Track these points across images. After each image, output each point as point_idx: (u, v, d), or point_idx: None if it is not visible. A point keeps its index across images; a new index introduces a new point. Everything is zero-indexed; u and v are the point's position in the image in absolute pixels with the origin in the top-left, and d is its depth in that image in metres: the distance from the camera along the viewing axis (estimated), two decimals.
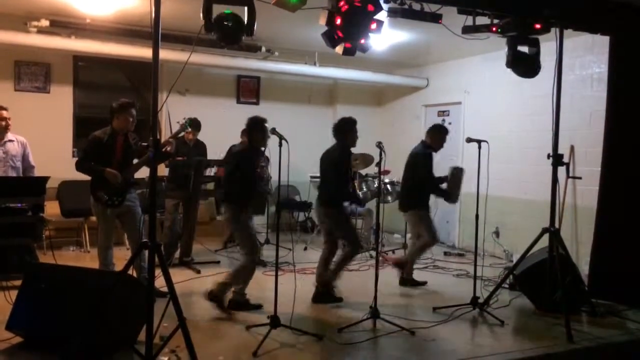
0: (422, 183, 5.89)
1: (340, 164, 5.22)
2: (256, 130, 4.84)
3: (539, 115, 6.89)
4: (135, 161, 4.97)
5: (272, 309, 4.25)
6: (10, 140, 5.55)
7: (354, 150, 5.46)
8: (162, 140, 4.79)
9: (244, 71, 8.76)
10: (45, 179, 5.21)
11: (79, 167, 4.85)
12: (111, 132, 4.88)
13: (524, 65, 5.03)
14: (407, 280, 6.03)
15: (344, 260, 5.28)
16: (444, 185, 5.99)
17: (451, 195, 5.89)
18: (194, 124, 6.46)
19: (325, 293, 5.25)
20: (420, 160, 5.91)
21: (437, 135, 6.01)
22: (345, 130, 5.28)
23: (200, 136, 6.82)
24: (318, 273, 5.34)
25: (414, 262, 6.10)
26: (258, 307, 4.91)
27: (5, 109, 5.50)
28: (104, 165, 4.78)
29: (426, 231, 5.92)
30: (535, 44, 4.96)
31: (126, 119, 4.86)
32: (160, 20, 3.28)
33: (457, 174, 5.87)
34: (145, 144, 4.81)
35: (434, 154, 5.95)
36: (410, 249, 6.20)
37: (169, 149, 4.72)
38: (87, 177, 4.91)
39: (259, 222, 8.70)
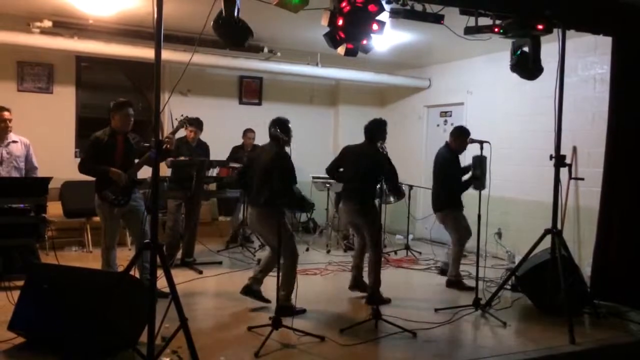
0: (452, 185, 5.95)
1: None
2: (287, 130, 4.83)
3: (542, 116, 6.87)
4: (136, 161, 4.98)
5: (273, 310, 4.25)
6: (14, 142, 5.56)
7: None
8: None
9: (246, 72, 8.76)
10: (47, 180, 5.22)
11: (82, 168, 4.86)
12: (111, 132, 4.89)
13: (527, 67, 5.03)
14: (454, 283, 6.04)
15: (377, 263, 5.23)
16: (469, 175, 5.98)
17: (479, 182, 5.82)
18: (196, 123, 6.47)
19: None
20: (446, 164, 6.01)
21: (459, 138, 6.03)
22: (376, 130, 5.40)
23: (203, 137, 6.82)
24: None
25: (458, 264, 6.12)
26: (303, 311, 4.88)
27: (7, 110, 5.50)
28: (107, 165, 4.79)
29: (453, 231, 6.01)
30: (536, 44, 4.96)
31: (122, 118, 4.87)
32: (163, 20, 3.29)
33: (478, 162, 5.82)
34: (147, 144, 4.85)
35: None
36: (452, 256, 6.17)
37: (168, 146, 4.72)
38: (89, 178, 4.92)
39: None
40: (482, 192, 5.03)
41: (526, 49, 4.97)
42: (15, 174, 5.50)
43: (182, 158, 6.32)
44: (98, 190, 4.82)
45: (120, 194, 4.80)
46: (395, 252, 7.76)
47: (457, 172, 5.99)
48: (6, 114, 5.47)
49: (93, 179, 4.90)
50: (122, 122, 4.87)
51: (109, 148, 4.84)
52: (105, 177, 4.76)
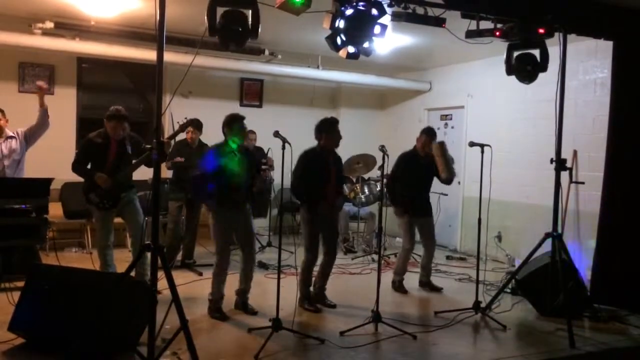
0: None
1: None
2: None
3: (542, 120, 6.89)
4: (134, 162, 4.99)
5: (273, 312, 4.26)
6: (11, 137, 5.57)
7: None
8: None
9: (247, 74, 8.78)
10: (49, 181, 5.22)
11: (74, 169, 4.92)
12: (105, 135, 4.90)
13: (524, 71, 5.05)
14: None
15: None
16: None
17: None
18: (195, 124, 6.47)
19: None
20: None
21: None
22: (321, 130, 5.15)
23: (204, 139, 6.82)
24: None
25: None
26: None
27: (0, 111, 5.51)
28: (98, 167, 4.80)
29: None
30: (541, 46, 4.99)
31: (113, 128, 4.89)
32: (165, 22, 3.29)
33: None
34: (149, 146, 4.85)
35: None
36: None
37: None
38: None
39: (261, 224, 8.72)
40: (483, 195, 5.03)
41: (524, 52, 4.99)
42: (14, 168, 5.51)
43: (178, 159, 6.27)
44: (84, 192, 4.85)
45: (105, 198, 4.82)
46: (395, 255, 7.74)
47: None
48: None
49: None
50: (113, 130, 4.91)
51: (102, 150, 4.86)
52: (92, 180, 4.78)
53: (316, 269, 5.27)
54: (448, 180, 5.83)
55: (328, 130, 5.09)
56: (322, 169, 5.08)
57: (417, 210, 5.89)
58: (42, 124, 5.60)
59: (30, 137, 5.64)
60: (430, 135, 5.92)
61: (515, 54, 5.00)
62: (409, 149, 6.11)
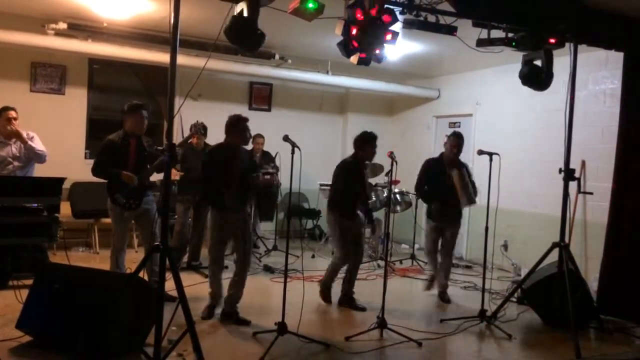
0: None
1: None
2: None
3: (551, 130, 6.87)
4: (148, 166, 5.01)
5: (279, 316, 4.26)
6: None
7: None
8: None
9: (256, 78, 8.81)
10: (61, 180, 5.24)
11: (95, 171, 4.87)
12: (124, 135, 4.92)
13: (537, 79, 5.04)
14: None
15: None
16: None
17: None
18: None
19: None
20: None
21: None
22: (359, 143, 5.43)
23: (212, 142, 6.84)
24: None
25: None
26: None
27: (12, 109, 5.54)
28: (119, 168, 4.81)
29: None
30: (548, 57, 4.98)
31: (136, 120, 4.90)
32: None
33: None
34: (161, 147, 4.89)
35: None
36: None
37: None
38: (98, 179, 4.93)
39: (267, 228, 8.75)
40: (490, 203, 5.03)
41: (538, 62, 4.99)
42: (23, 169, 5.55)
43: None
44: (110, 193, 4.85)
45: (132, 198, 4.83)
46: (401, 262, 7.75)
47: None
48: (12, 112, 5.53)
49: (102, 180, 4.92)
50: (135, 124, 4.90)
51: (122, 151, 4.87)
52: (117, 180, 4.80)
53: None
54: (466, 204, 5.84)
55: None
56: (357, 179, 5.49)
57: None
58: (32, 157, 5.60)
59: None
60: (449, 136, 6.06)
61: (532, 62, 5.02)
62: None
